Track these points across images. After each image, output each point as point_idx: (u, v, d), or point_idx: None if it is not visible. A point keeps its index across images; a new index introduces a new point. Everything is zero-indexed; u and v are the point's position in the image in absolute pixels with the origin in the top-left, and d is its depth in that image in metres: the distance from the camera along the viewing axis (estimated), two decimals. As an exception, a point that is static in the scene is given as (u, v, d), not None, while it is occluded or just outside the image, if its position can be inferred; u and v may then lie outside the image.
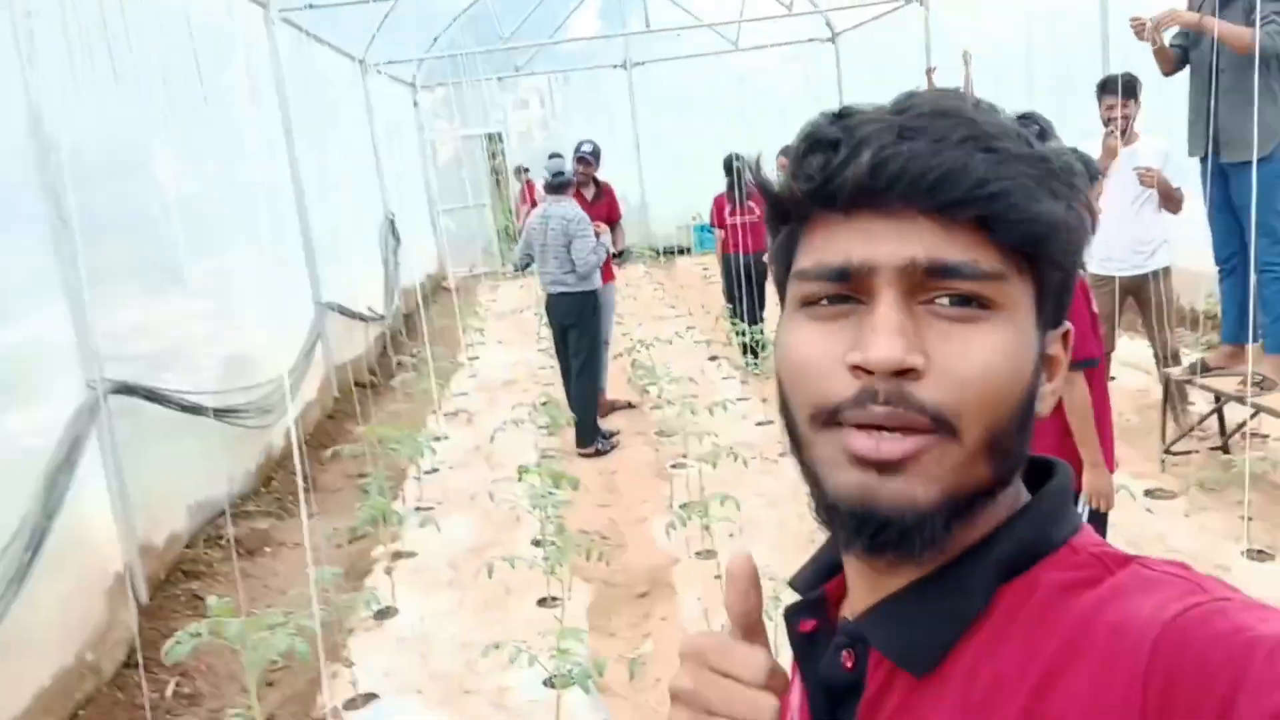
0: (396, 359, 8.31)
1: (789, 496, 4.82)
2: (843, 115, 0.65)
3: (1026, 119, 0.64)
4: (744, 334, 6.96)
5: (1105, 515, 2.89)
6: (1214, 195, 4.70)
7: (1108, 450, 2.90)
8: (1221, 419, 4.90)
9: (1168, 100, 5.11)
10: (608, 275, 6.85)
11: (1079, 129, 5.20)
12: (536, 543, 4.44)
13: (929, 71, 8.13)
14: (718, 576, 3.97)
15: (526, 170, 14.49)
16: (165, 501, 4.72)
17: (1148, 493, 4.54)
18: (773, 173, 0.69)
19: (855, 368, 0.61)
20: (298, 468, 3.45)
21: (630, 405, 7.19)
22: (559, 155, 6.83)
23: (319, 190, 8.18)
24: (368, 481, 4.65)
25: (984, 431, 0.61)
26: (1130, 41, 4.86)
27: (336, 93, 9.89)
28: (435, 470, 6.07)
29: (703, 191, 9.16)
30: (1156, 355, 5.31)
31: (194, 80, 5.71)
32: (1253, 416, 4.58)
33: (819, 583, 0.75)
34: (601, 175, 7.58)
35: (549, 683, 3.24)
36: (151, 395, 4.61)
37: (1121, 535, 3.69)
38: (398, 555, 4.73)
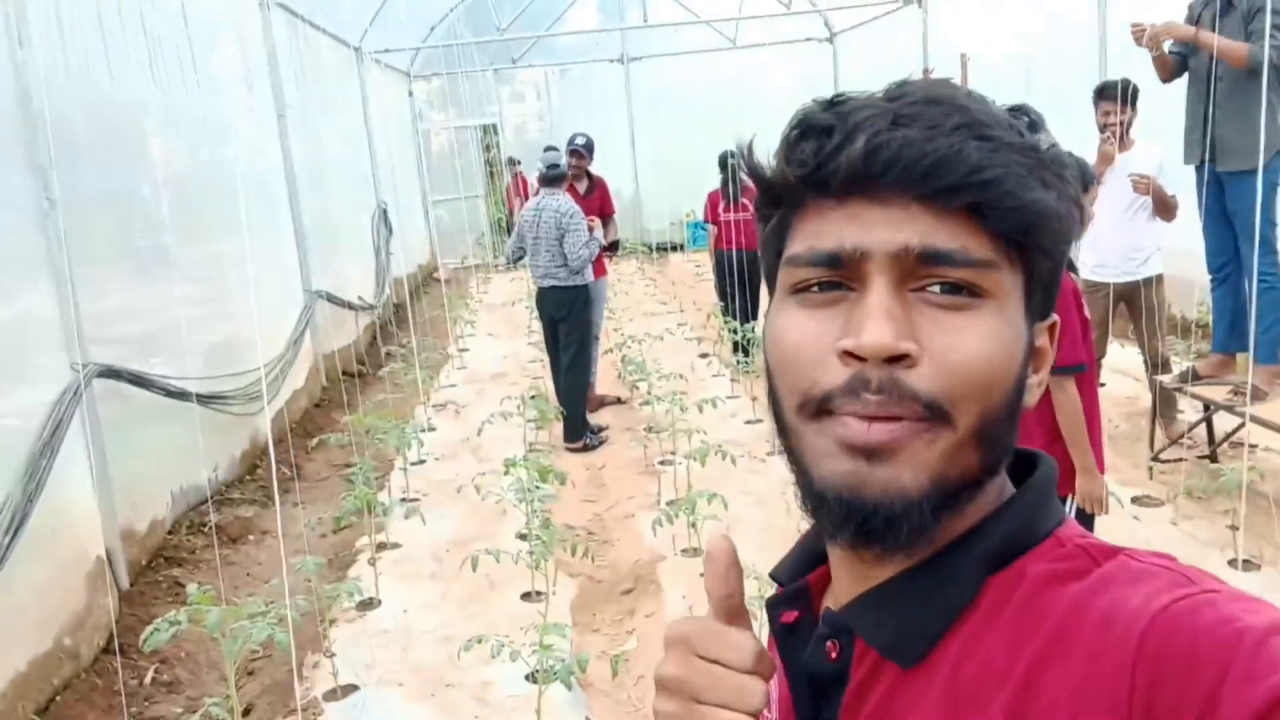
0: (385, 349, 8.28)
1: (776, 495, 4.81)
2: (836, 102, 0.64)
3: (1017, 111, 0.64)
4: (735, 331, 6.94)
5: (1091, 519, 2.89)
6: (1209, 204, 4.70)
7: (1097, 456, 2.90)
8: (1210, 428, 4.90)
9: (1165, 107, 5.11)
10: (599, 270, 6.83)
11: (1075, 133, 5.19)
12: (522, 536, 4.42)
13: (926, 74, 8.15)
14: (702, 574, 3.96)
15: (518, 162, 14.45)
16: (148, 487, 4.68)
17: (1135, 500, 4.55)
18: (764, 159, 0.68)
19: (846, 354, 0.60)
20: (270, 459, 3.42)
21: (619, 401, 7.17)
22: (554, 148, 6.79)
23: (311, 177, 8.14)
24: (353, 471, 4.63)
25: (977, 419, 0.61)
26: (1128, 47, 4.86)
27: (331, 80, 9.84)
28: (422, 462, 6.05)
29: (697, 189, 9.14)
30: (1146, 362, 5.31)
31: (186, 62, 5.66)
32: (1241, 426, 4.58)
33: (801, 574, 0.75)
34: (596, 170, 7.55)
35: (531, 678, 3.22)
36: (137, 379, 4.57)
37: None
38: (382, 546, 4.70)
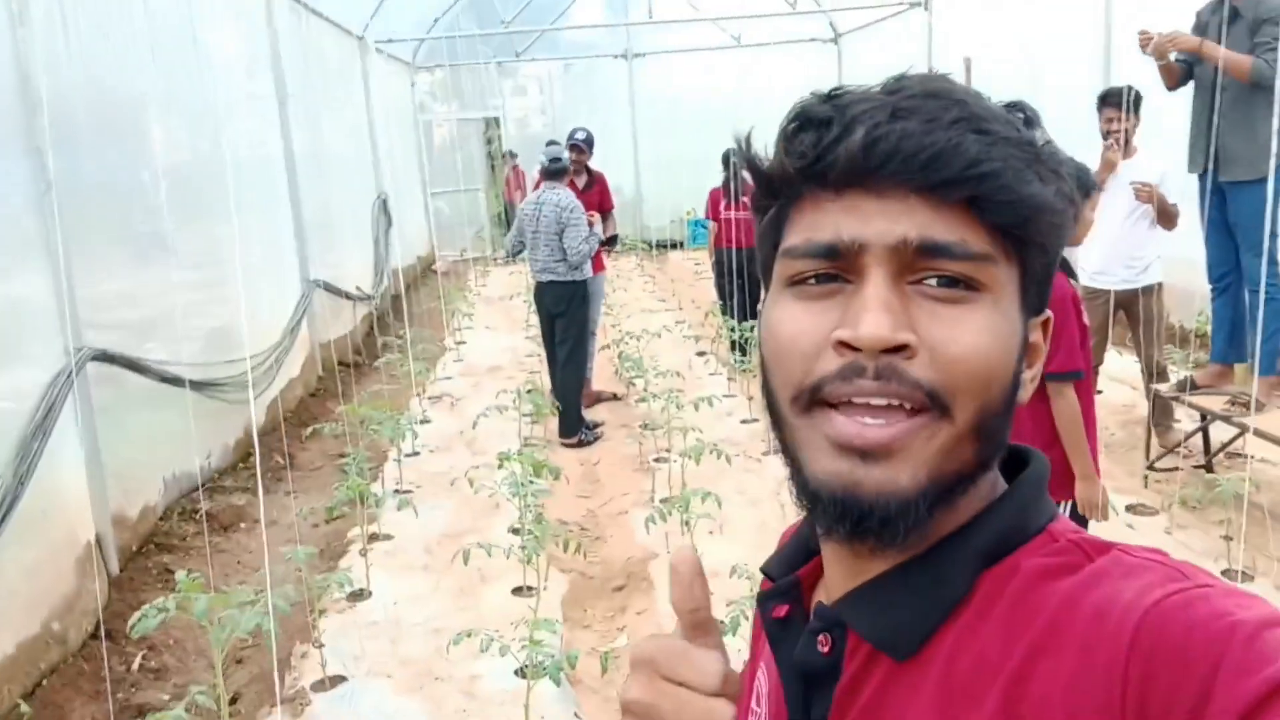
0: (382, 340, 8.26)
1: (770, 495, 4.80)
2: (834, 95, 0.65)
3: (1014, 107, 0.63)
4: (734, 330, 6.93)
5: (1085, 525, 2.88)
6: (1211, 213, 4.69)
7: (1093, 463, 2.89)
8: (1206, 437, 4.90)
9: (1170, 115, 5.10)
10: (598, 266, 6.81)
11: (1078, 140, 5.17)
12: (514, 531, 4.41)
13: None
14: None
15: (515, 155, 14.42)
16: (141, 472, 4.66)
17: (1129, 508, 4.54)
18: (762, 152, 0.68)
19: (841, 344, 0.60)
20: (255, 446, 3.41)
21: (615, 397, 7.16)
22: (556, 143, 6.78)
23: (312, 166, 8.12)
24: (347, 462, 4.61)
25: (974, 412, 0.61)
26: (1133, 54, 4.85)
27: (333, 69, 9.81)
28: (416, 453, 6.03)
29: (698, 187, 9.14)
30: (1144, 371, 5.30)
31: (188, 47, 5.64)
32: (1238, 436, 4.58)
33: (792, 568, 0.75)
34: (597, 165, 7.53)
35: (520, 673, 3.21)
36: (131, 364, 4.55)
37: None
38: (374, 537, 4.69)
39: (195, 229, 5.50)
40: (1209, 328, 5.30)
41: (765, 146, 0.68)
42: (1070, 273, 3.01)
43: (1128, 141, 4.92)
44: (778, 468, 0.67)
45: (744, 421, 6.30)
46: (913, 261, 0.61)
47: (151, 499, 4.73)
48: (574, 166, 6.97)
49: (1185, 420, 5.18)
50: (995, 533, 0.64)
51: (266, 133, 7.35)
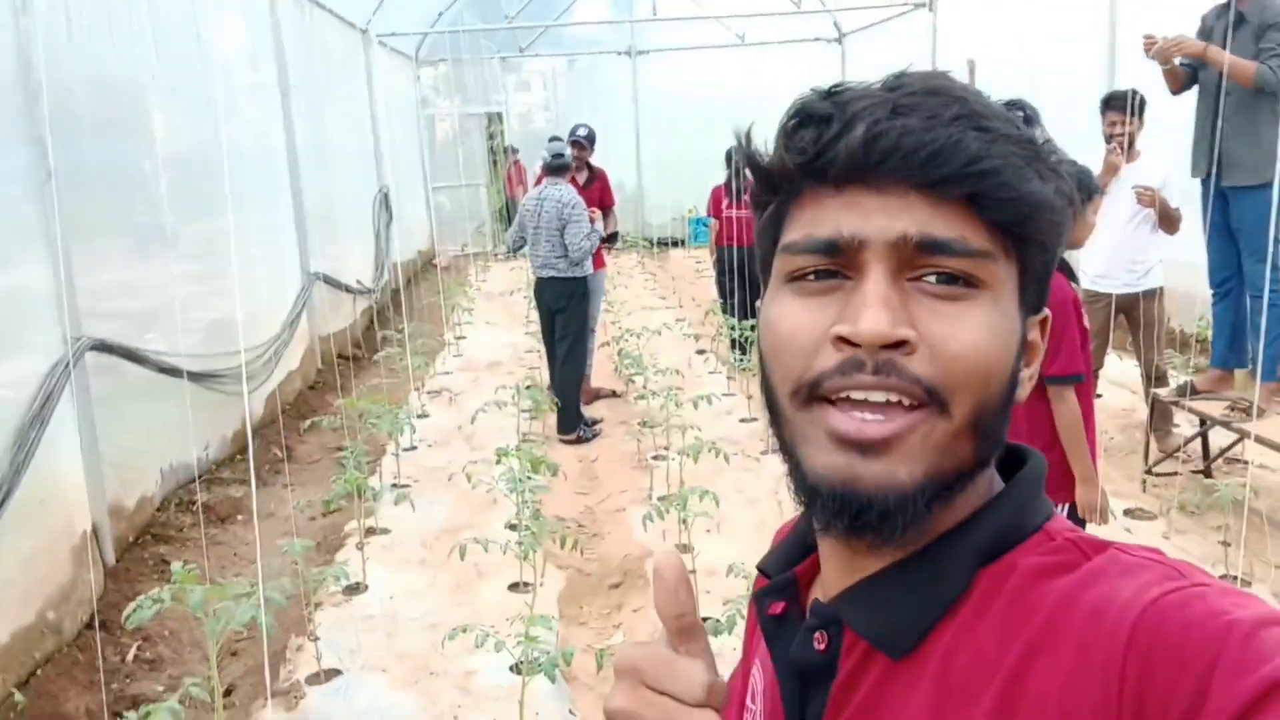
0: (382, 334, 8.25)
1: (768, 494, 4.79)
2: (834, 92, 0.65)
3: (1014, 105, 0.64)
4: (733, 329, 6.92)
5: (1083, 527, 2.88)
6: (1213, 218, 4.68)
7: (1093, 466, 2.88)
8: (1205, 443, 4.89)
9: (1173, 119, 5.09)
10: (598, 262, 6.80)
11: (1082, 143, 5.17)
12: (512, 527, 4.40)
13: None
14: (693, 571, 3.94)
15: (516, 151, 14.39)
16: (138, 463, 4.66)
17: (1127, 512, 4.53)
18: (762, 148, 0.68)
19: (840, 339, 0.61)
20: (249, 439, 3.40)
21: (615, 394, 7.16)
22: (559, 138, 6.77)
23: (314, 158, 8.10)
24: (345, 455, 4.60)
25: (973, 409, 0.61)
26: (1137, 57, 4.83)
27: (337, 61, 9.79)
28: (414, 448, 6.02)
29: (700, 185, 9.12)
30: (1144, 375, 5.30)
31: (191, 38, 5.62)
32: (1237, 442, 4.57)
33: (789, 566, 0.75)
34: (599, 161, 7.52)
35: (515, 669, 3.20)
36: (130, 354, 4.55)
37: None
38: (371, 531, 4.68)
39: (196, 220, 5.49)
40: (1209, 332, 5.30)
41: (765, 143, 0.68)
42: (1071, 276, 3.00)
43: (1131, 145, 4.91)
44: (776, 466, 0.66)
45: (743, 420, 6.29)
46: (912, 258, 0.61)
47: (149, 490, 4.73)
48: (575, 163, 6.96)
49: (1185, 425, 5.17)
50: (993, 531, 0.64)
51: (268, 124, 7.33)
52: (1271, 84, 4.27)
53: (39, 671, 3.48)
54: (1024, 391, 0.67)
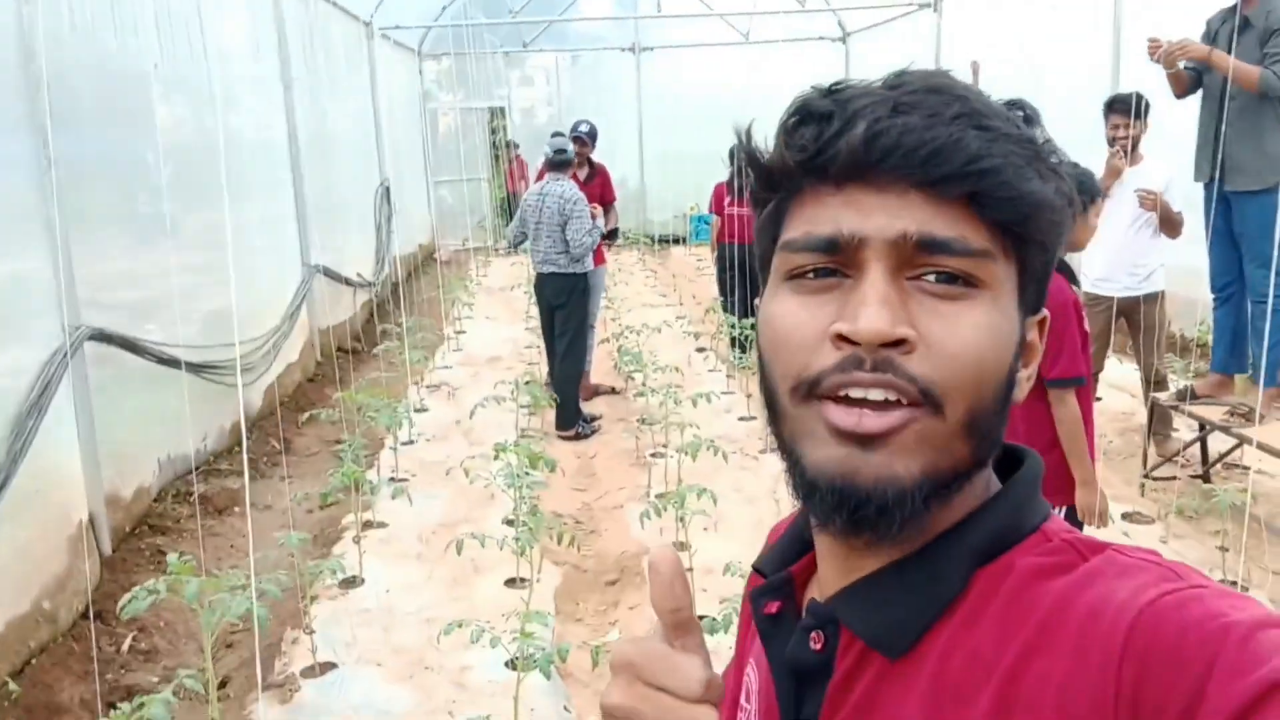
0: (381, 327, 8.24)
1: (766, 494, 4.79)
2: (835, 90, 0.65)
3: (1014, 105, 0.63)
4: (733, 327, 6.91)
5: (1081, 529, 2.87)
6: (1216, 223, 4.68)
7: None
8: (1204, 448, 4.89)
9: (1176, 122, 5.08)
10: (598, 258, 6.79)
11: (1085, 146, 5.16)
12: (509, 522, 4.40)
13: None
14: (690, 569, 3.94)
15: (516, 145, 14.37)
16: (136, 453, 4.65)
17: (1125, 516, 4.53)
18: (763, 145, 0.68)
19: (839, 338, 0.61)
20: (241, 431, 3.40)
21: (614, 390, 7.15)
22: (561, 134, 6.76)
23: (315, 151, 8.09)
24: (343, 448, 4.60)
25: (967, 410, 0.61)
26: (1141, 59, 4.83)
27: (339, 54, 9.77)
28: (412, 442, 6.02)
29: (702, 183, 9.10)
30: (1144, 379, 5.29)
31: (194, 28, 5.61)
32: (1236, 447, 4.57)
33: (785, 565, 0.75)
34: (603, 158, 7.52)
35: (511, 665, 3.20)
36: (129, 344, 4.54)
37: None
38: (368, 525, 4.68)
39: (196, 210, 5.48)
40: (1210, 337, 5.29)
41: (766, 140, 0.68)
42: (1072, 279, 3.00)
43: (1134, 148, 4.90)
44: (774, 465, 0.66)
45: (742, 419, 6.29)
46: (912, 257, 0.61)
47: (146, 480, 4.72)
48: (576, 159, 6.96)
49: (1184, 430, 5.17)
50: (990, 531, 0.64)
51: (271, 116, 7.32)
52: (1276, 89, 4.27)
53: (33, 661, 3.47)
54: (1021, 392, 0.67)
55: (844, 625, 0.66)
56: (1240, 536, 3.80)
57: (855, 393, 0.60)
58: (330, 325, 8.07)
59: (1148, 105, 4.88)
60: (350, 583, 4.13)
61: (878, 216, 0.61)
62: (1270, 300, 4.11)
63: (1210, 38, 4.60)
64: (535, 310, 7.09)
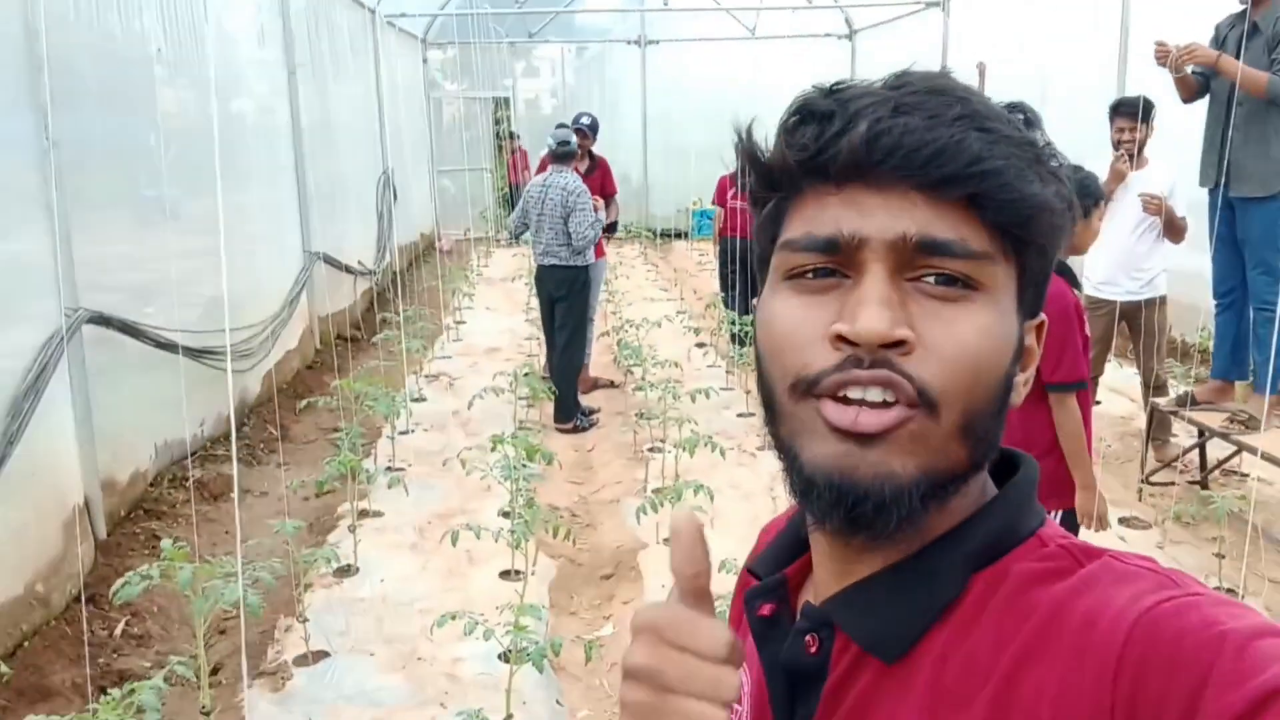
0: (381, 316, 8.23)
1: (763, 490, 4.78)
2: (836, 89, 0.65)
3: (1014, 108, 0.63)
4: (734, 323, 6.90)
5: (1076, 533, 2.86)
6: (1220, 229, 4.66)
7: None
8: (1203, 454, 4.88)
9: (1182, 126, 5.06)
10: (598, 252, 6.78)
11: (1089, 149, 5.14)
12: (505, 514, 4.39)
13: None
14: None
15: (517, 136, 14.33)
16: (132, 437, 4.64)
17: (1122, 521, 4.52)
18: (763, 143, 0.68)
19: (838, 338, 0.60)
20: (231, 418, 3.39)
21: (613, 384, 7.15)
22: (565, 125, 6.74)
23: (319, 137, 8.07)
24: (340, 436, 4.59)
25: (962, 413, 0.61)
26: (1148, 64, 4.81)
27: (344, 41, 9.75)
28: (410, 431, 6.01)
29: (706, 178, 9.08)
30: (1144, 384, 5.28)
31: (198, 12, 5.59)
32: (1235, 454, 4.56)
33: (779, 567, 0.74)
34: (606, 151, 7.50)
35: (503, 657, 3.19)
36: (127, 328, 4.53)
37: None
38: (364, 514, 4.67)
39: (197, 195, 5.46)
40: (1211, 343, 5.28)
41: (766, 138, 0.67)
42: (1074, 282, 2.98)
43: (1140, 152, 4.88)
44: (771, 462, 0.65)
45: (740, 415, 6.28)
46: (912, 258, 0.61)
47: (142, 465, 4.71)
48: (578, 151, 6.94)
49: (1183, 435, 5.16)
50: (986, 536, 0.64)
51: (274, 102, 7.30)
52: None
53: (26, 644, 3.47)
54: (1018, 397, 0.66)
55: (840, 629, 0.66)
56: (1238, 543, 3.79)
57: (853, 393, 0.60)
58: (330, 313, 8.06)
59: (1153, 109, 4.86)
60: (345, 571, 4.12)
61: (878, 217, 0.61)
62: (1278, 308, 4.10)
63: (1218, 43, 4.58)
64: (535, 302, 7.08)
